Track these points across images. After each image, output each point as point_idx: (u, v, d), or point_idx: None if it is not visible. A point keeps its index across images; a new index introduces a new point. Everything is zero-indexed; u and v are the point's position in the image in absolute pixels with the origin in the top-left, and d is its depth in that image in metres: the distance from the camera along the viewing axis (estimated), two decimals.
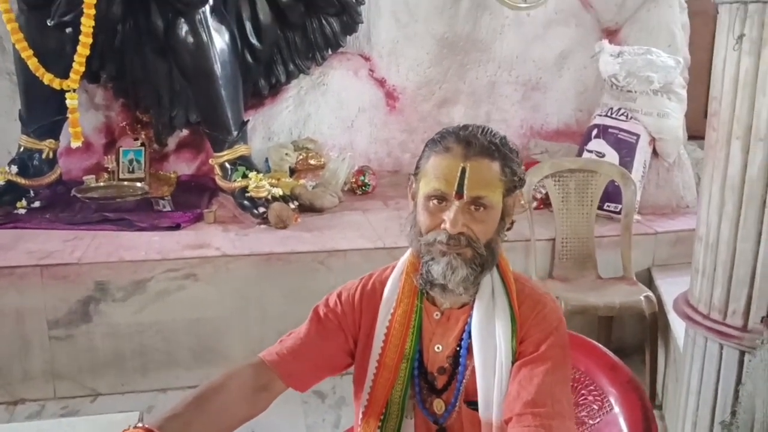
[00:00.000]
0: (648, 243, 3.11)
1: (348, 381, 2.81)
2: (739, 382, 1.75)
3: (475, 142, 1.20)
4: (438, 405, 1.30)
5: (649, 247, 3.11)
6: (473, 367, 1.25)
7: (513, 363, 1.23)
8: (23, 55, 3.01)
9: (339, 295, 1.37)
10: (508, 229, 1.30)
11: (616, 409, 1.42)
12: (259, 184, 3.18)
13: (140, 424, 1.07)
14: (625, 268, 2.94)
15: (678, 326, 2.53)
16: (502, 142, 1.24)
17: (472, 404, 1.26)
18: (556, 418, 1.15)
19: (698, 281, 1.89)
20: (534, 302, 1.28)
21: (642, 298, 2.71)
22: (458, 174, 1.19)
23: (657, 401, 2.73)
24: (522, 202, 1.32)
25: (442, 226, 1.20)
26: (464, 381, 1.27)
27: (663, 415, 2.65)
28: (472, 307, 1.28)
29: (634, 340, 3.02)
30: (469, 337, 1.26)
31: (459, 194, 1.19)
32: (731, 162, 1.74)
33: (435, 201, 1.21)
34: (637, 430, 1.37)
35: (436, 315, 1.31)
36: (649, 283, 3.00)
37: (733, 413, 1.75)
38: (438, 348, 1.30)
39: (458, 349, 1.28)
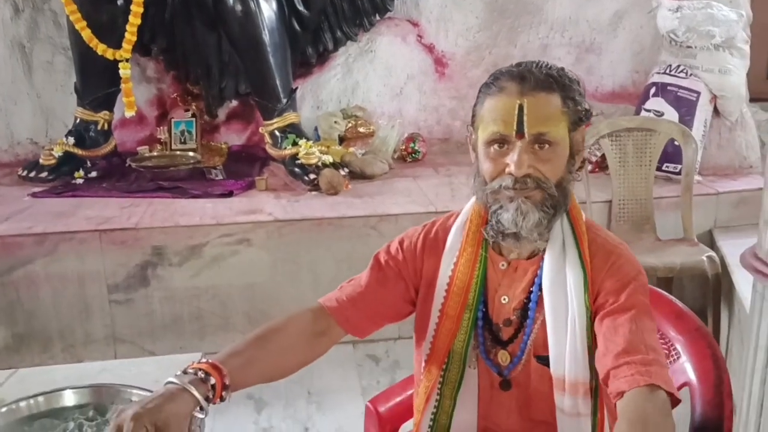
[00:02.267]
0: (709, 204, 3.01)
1: (401, 345, 2.81)
2: None
3: (530, 77, 1.14)
4: (503, 356, 1.25)
5: (711, 209, 3.01)
6: (542, 321, 1.21)
7: (587, 318, 1.17)
8: (77, 26, 3.08)
9: (401, 242, 1.32)
10: (580, 168, 1.23)
11: (684, 358, 1.36)
12: (309, 151, 3.18)
13: (204, 360, 1.08)
14: (685, 229, 2.84)
15: (743, 285, 2.45)
16: (560, 73, 1.17)
17: (542, 359, 1.22)
18: (653, 364, 1.07)
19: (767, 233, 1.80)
20: (607, 253, 1.21)
21: (704, 258, 2.63)
22: (516, 112, 1.12)
23: None
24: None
25: (507, 170, 1.14)
26: (532, 334, 1.22)
27: None
28: (542, 258, 1.22)
29: (694, 304, 2.91)
30: (539, 289, 1.21)
31: (520, 134, 1.12)
32: None
33: (496, 146, 1.16)
34: (707, 379, 1.31)
35: (502, 265, 1.26)
36: (711, 244, 2.91)
37: None
38: (504, 299, 1.25)
39: (526, 301, 1.23)
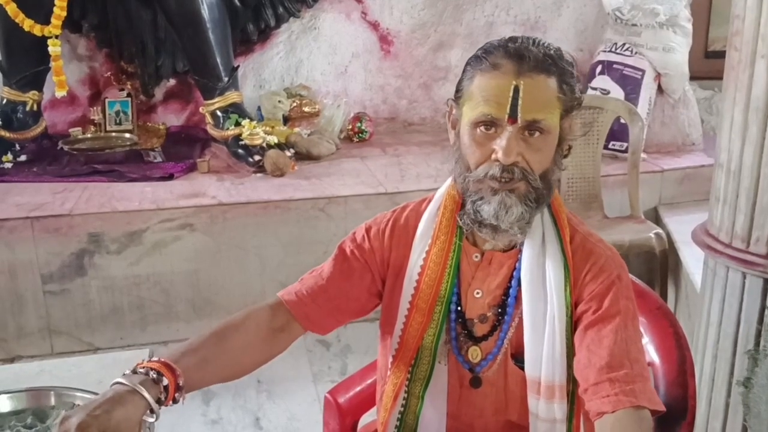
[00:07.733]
0: (654, 181, 3.05)
1: (352, 329, 2.75)
2: (763, 310, 1.70)
3: (528, 56, 1.05)
4: (474, 353, 1.19)
5: (656, 186, 3.05)
6: (521, 319, 1.15)
7: (568, 317, 1.12)
8: (1, 0, 2.87)
9: (368, 230, 1.24)
10: (565, 156, 1.16)
11: (646, 338, 1.36)
12: (253, 132, 3.08)
13: (155, 358, 1.00)
14: (632, 206, 2.87)
15: (690, 262, 2.49)
16: (558, 54, 1.09)
17: (519, 361, 1.16)
18: (636, 381, 1.03)
19: (719, 210, 1.81)
20: (586, 253, 1.15)
21: (652, 235, 2.66)
22: (510, 94, 1.03)
23: None
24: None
25: (494, 156, 1.06)
26: (509, 333, 1.16)
27: None
28: (519, 251, 1.16)
29: (641, 280, 2.97)
30: (518, 285, 1.15)
31: (512, 118, 1.04)
32: (756, 83, 1.65)
33: (483, 128, 1.07)
34: (670, 358, 1.31)
35: (476, 257, 1.18)
36: (657, 221, 2.95)
37: (758, 342, 1.70)
38: (478, 293, 1.18)
39: (504, 298, 1.17)
